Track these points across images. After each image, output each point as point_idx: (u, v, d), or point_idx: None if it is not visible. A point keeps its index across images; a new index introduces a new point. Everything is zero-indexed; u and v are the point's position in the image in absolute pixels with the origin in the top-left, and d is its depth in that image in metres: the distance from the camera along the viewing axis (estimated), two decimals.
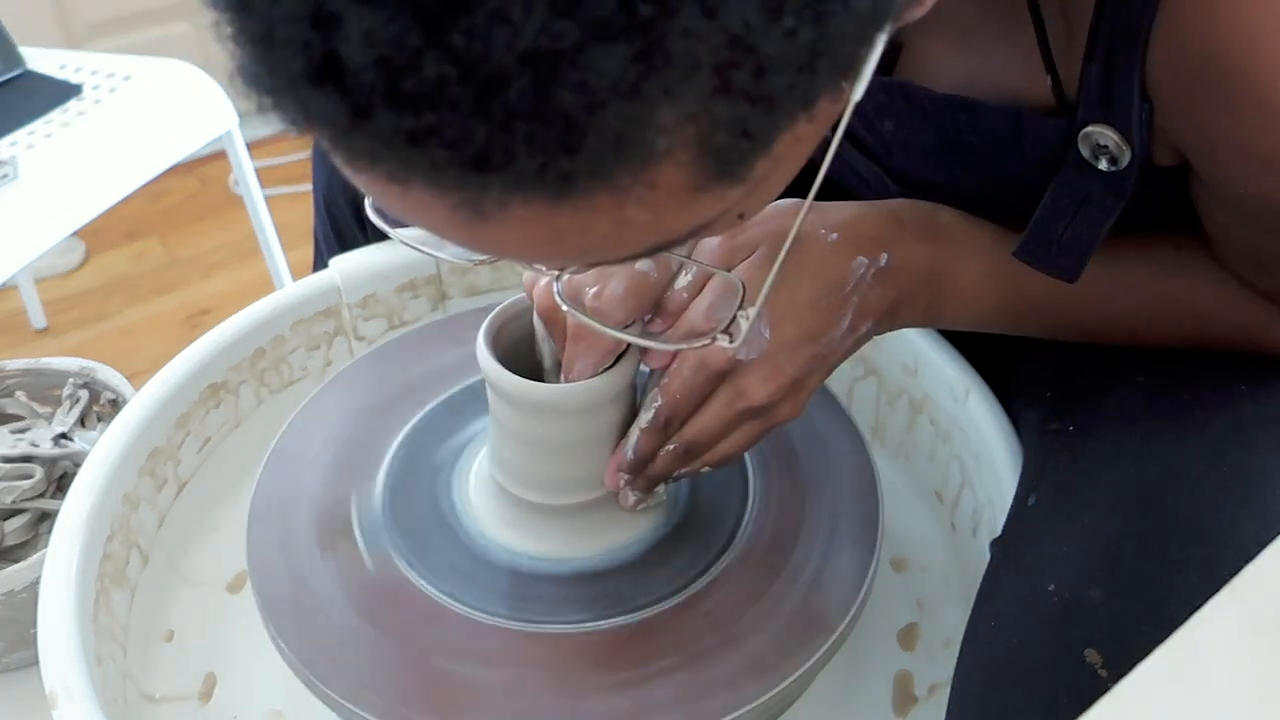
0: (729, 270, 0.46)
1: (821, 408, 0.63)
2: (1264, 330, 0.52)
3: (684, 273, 0.48)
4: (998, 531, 0.52)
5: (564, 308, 0.42)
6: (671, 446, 0.51)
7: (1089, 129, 0.46)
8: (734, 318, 0.40)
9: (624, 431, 0.52)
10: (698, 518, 0.56)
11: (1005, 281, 0.52)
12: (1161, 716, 0.25)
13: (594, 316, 0.44)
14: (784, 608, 0.52)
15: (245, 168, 1.34)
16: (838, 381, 0.74)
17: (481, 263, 0.46)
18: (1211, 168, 0.46)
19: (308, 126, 0.27)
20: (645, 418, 0.50)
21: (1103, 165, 0.47)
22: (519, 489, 0.54)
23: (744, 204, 0.33)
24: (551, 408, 0.50)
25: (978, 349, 0.65)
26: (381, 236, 0.76)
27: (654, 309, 0.48)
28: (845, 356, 0.51)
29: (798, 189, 0.38)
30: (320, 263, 0.82)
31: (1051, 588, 0.43)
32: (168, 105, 1.28)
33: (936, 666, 0.60)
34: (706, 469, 0.52)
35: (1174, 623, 0.27)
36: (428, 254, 0.44)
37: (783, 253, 0.39)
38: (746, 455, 0.59)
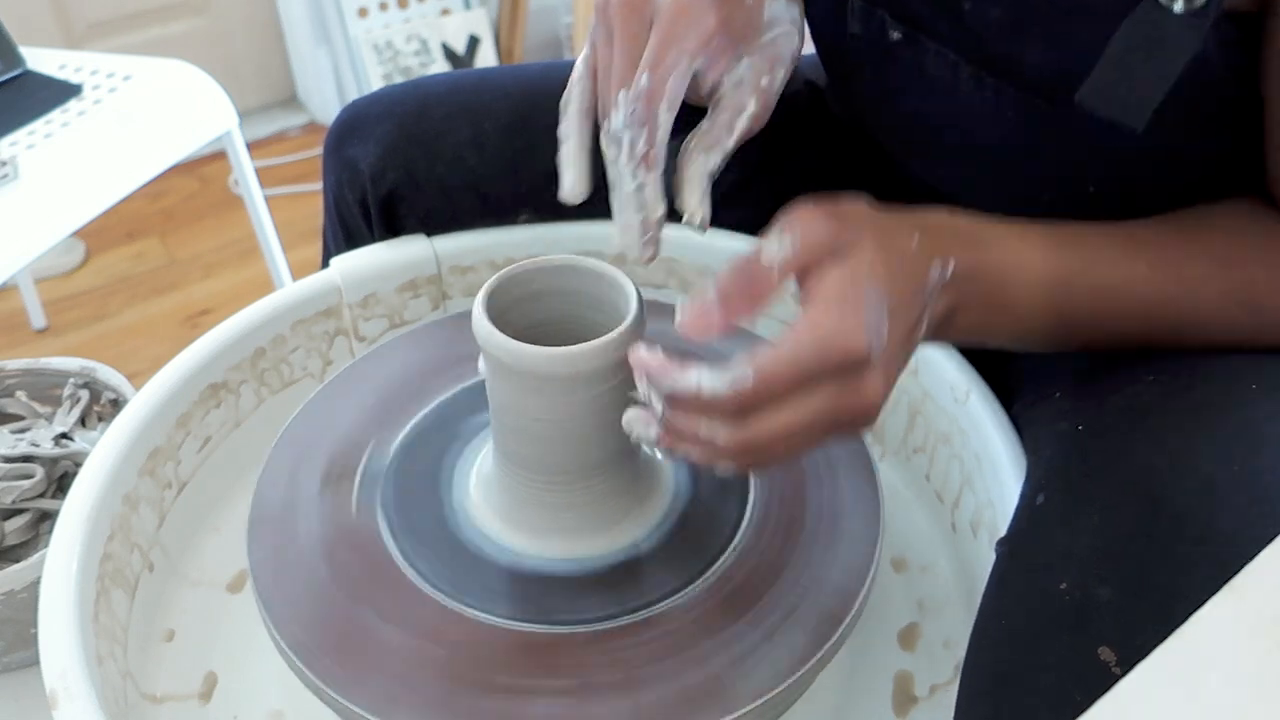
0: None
1: None
2: None
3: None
4: (999, 532, 0.52)
5: None
6: (723, 435, 0.42)
7: None
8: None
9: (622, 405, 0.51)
10: (697, 517, 0.56)
11: (1057, 270, 0.51)
12: (1161, 716, 0.25)
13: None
14: (784, 608, 0.52)
15: (245, 168, 1.34)
16: None
17: None
18: None
19: None
20: (712, 385, 0.41)
21: (1178, 6, 0.46)
22: (521, 476, 0.54)
23: None
24: (548, 370, 0.49)
25: (978, 349, 0.64)
26: (387, 235, 0.76)
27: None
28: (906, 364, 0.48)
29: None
30: (329, 261, 0.82)
31: (1063, 586, 0.42)
32: (168, 105, 1.28)
33: (937, 667, 0.60)
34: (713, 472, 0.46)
35: (1186, 620, 0.27)
36: None
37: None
38: None
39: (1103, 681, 0.39)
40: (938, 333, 0.49)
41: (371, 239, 0.77)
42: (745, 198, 0.77)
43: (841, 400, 0.42)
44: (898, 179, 0.77)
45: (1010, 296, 0.50)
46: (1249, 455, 0.42)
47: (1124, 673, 0.39)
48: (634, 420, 0.46)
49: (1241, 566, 0.36)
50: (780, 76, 0.54)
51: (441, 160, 0.74)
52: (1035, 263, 0.50)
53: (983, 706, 0.44)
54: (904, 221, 0.46)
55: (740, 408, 0.42)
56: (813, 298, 0.43)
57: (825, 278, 0.43)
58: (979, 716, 0.44)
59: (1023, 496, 0.52)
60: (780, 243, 0.43)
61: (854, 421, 0.43)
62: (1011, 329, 0.52)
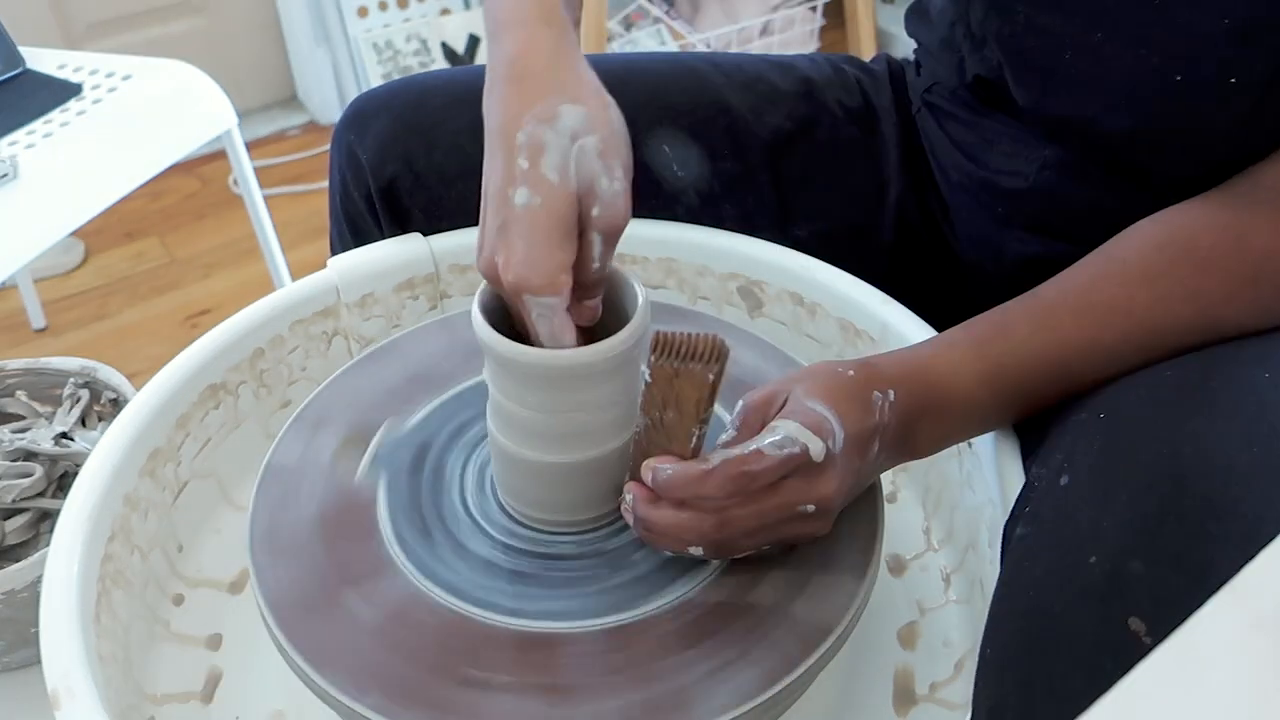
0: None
1: None
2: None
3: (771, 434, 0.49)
4: (998, 532, 0.52)
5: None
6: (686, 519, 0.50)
7: None
8: None
9: (629, 412, 0.52)
10: None
11: (985, 361, 0.55)
12: (1161, 715, 0.25)
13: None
14: (784, 608, 0.52)
15: (245, 168, 1.34)
16: None
17: None
18: None
19: None
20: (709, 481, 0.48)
21: None
22: (522, 473, 0.54)
23: None
24: (550, 370, 0.49)
25: None
26: (394, 228, 0.76)
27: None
28: (869, 479, 0.55)
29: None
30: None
31: (1093, 560, 0.43)
32: (168, 105, 1.28)
33: (937, 666, 0.60)
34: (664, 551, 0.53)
35: (1217, 592, 0.27)
36: None
37: None
38: None
39: (1132, 651, 0.40)
40: (909, 451, 0.55)
41: (379, 234, 0.77)
42: (750, 185, 0.77)
43: (806, 488, 0.49)
44: (894, 168, 0.77)
45: (953, 399, 0.54)
46: (1268, 442, 0.43)
47: (1154, 644, 0.39)
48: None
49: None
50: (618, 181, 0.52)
51: (439, 149, 0.74)
52: (967, 361, 0.55)
53: (1012, 674, 0.44)
54: (832, 365, 0.53)
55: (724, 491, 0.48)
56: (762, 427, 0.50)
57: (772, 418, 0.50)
58: (1009, 683, 0.44)
59: (1040, 479, 0.52)
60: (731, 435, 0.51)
61: (811, 516, 0.50)
62: (964, 428, 0.57)
